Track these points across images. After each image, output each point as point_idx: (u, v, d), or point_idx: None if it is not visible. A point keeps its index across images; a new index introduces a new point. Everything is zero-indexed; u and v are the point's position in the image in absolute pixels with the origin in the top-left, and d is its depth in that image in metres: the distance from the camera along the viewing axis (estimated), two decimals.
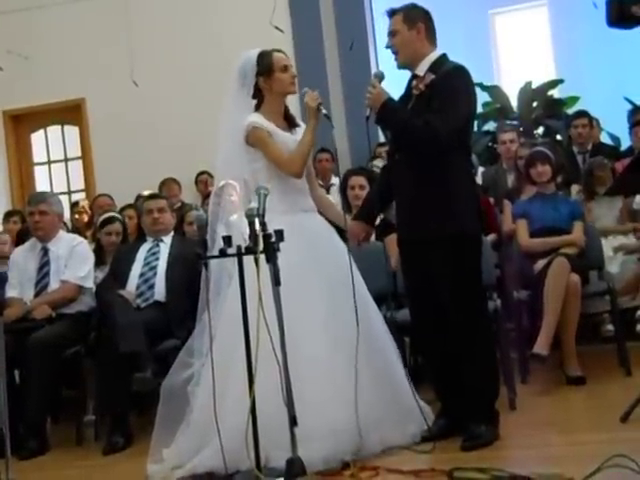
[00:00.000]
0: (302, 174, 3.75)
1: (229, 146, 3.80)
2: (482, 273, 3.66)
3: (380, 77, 3.61)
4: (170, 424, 3.63)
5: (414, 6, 3.66)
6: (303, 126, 3.89)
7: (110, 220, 5.45)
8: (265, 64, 3.80)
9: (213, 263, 3.47)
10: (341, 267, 3.62)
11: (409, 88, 3.67)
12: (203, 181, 7.43)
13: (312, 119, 3.73)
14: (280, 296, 3.10)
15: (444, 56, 3.63)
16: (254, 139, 3.74)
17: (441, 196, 3.50)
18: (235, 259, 3.18)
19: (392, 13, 3.64)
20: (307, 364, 3.35)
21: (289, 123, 3.87)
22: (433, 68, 3.56)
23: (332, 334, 3.51)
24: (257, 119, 3.76)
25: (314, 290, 3.57)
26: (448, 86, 3.49)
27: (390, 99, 3.58)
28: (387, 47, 3.66)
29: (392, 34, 3.61)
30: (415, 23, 3.60)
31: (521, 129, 7.88)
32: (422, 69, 3.59)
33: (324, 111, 3.70)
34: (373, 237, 5.12)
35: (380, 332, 3.77)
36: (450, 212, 3.50)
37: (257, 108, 3.82)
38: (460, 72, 3.55)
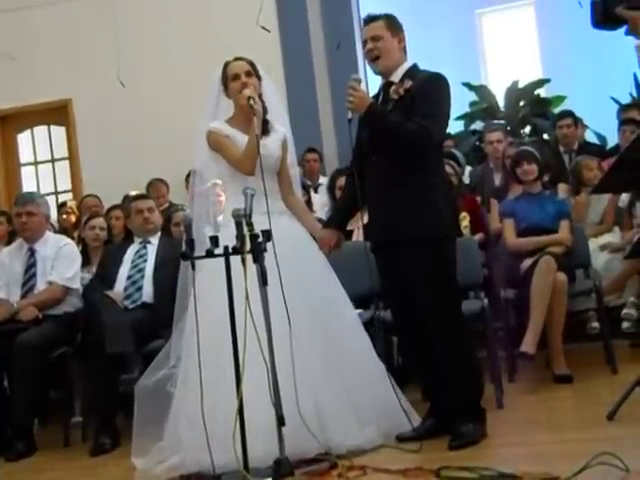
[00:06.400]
0: (253, 172, 3.69)
1: (201, 151, 3.87)
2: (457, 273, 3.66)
3: (359, 81, 3.60)
4: (148, 423, 3.68)
5: (393, 16, 3.71)
6: (279, 130, 3.93)
7: (93, 215, 5.53)
8: (223, 76, 3.89)
9: (185, 264, 3.49)
10: (304, 270, 3.64)
11: (380, 93, 3.71)
12: None
13: (250, 116, 3.70)
14: (267, 296, 3.12)
15: (416, 65, 3.70)
16: (212, 143, 3.82)
17: (421, 197, 3.53)
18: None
19: (372, 19, 3.66)
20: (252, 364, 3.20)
21: (262, 130, 3.80)
22: (408, 75, 3.62)
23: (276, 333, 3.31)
24: (216, 124, 3.83)
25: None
26: (431, 91, 3.55)
27: (375, 102, 3.61)
28: (369, 51, 3.64)
29: (375, 39, 3.62)
30: (398, 32, 3.68)
31: (508, 128, 7.92)
32: (397, 76, 3.64)
33: (251, 102, 3.68)
34: (361, 237, 5.15)
35: (350, 335, 3.76)
36: (430, 212, 3.53)
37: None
38: (440, 78, 3.61)
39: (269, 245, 3.19)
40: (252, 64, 3.90)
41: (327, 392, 3.52)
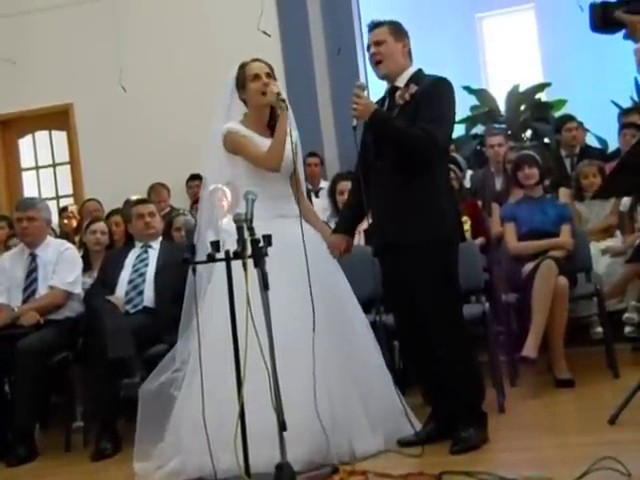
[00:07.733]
0: (279, 167, 3.71)
1: (214, 153, 3.84)
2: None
3: (363, 87, 3.63)
4: (151, 427, 3.68)
5: (398, 22, 3.73)
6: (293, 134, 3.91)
7: (94, 219, 5.58)
8: (239, 77, 3.86)
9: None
10: (320, 273, 3.63)
11: (386, 98, 3.72)
12: (194, 187, 7.38)
13: (279, 110, 3.73)
14: (269, 301, 3.12)
15: (421, 70, 3.70)
16: (230, 143, 3.78)
17: (427, 201, 3.53)
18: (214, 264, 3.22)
19: (377, 25, 3.68)
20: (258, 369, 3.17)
21: (273, 132, 3.81)
22: (413, 80, 3.63)
23: (292, 338, 3.42)
24: (233, 125, 3.80)
25: (278, 297, 3.33)
26: (435, 95, 3.56)
27: (379, 108, 3.61)
28: (372, 55, 3.66)
29: (378, 43, 3.64)
30: (402, 37, 3.69)
31: (509, 132, 7.92)
32: (402, 81, 3.65)
33: (281, 96, 3.71)
34: (362, 241, 5.15)
35: (361, 339, 3.77)
36: (435, 217, 3.53)
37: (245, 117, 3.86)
38: (445, 83, 3.62)
39: (287, 248, 3.18)
40: (270, 66, 3.89)
41: (342, 397, 3.51)
